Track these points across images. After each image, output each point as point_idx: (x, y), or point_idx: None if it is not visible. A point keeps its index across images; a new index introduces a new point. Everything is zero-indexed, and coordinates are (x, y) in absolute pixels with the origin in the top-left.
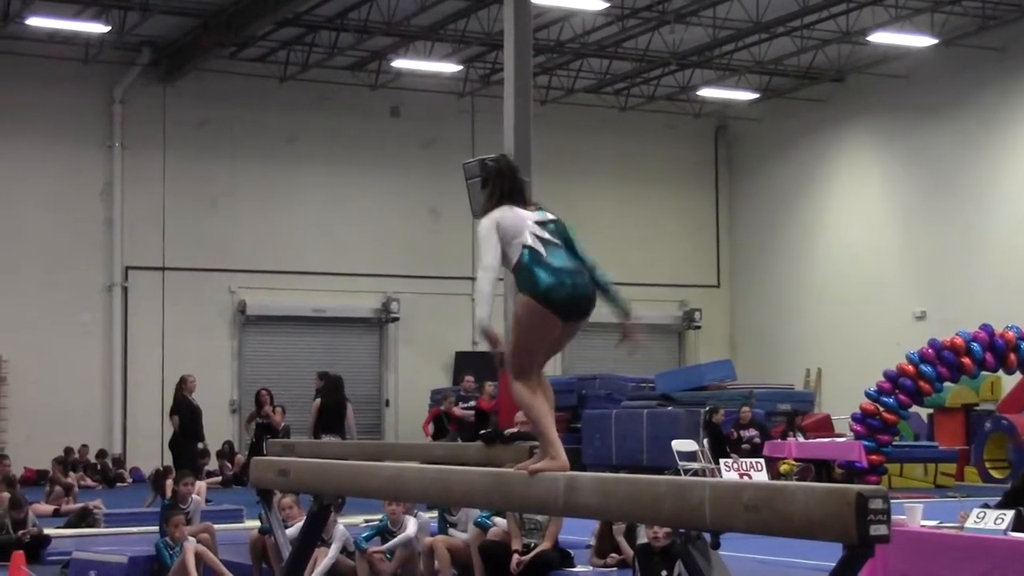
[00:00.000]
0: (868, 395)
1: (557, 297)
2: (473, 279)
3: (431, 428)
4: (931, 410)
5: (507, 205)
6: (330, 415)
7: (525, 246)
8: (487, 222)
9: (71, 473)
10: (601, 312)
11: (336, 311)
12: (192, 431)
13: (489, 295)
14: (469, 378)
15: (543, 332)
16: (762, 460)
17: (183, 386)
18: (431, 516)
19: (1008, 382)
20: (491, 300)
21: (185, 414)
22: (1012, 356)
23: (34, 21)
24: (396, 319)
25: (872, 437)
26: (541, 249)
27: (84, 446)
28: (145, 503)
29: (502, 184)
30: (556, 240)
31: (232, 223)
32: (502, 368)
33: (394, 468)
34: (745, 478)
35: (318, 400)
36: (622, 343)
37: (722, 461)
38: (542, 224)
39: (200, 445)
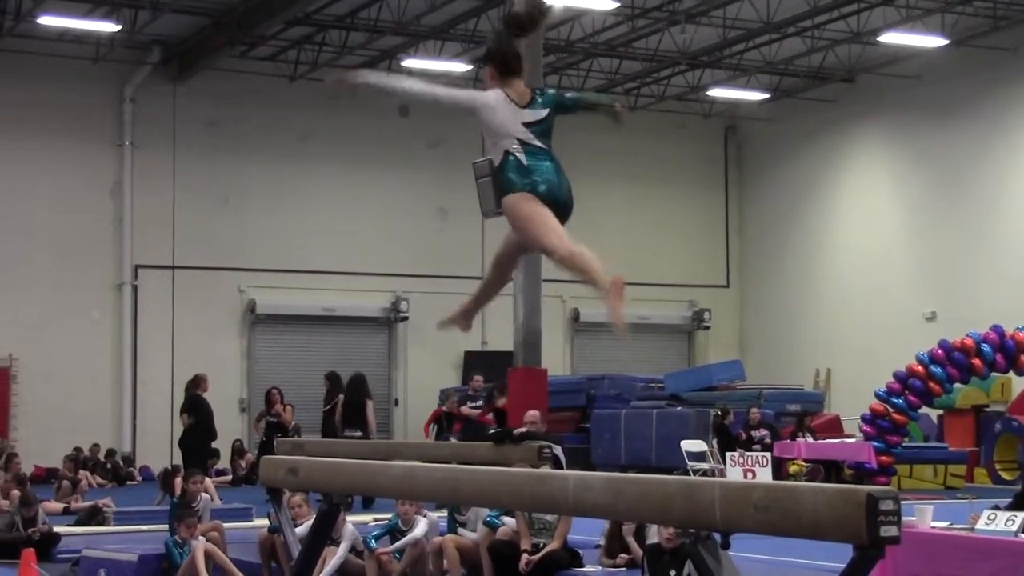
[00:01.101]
0: (878, 396)
1: (535, 191)
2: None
3: (432, 429)
4: (941, 411)
5: (504, 88)
6: (352, 412)
7: (508, 152)
8: (480, 93)
9: (81, 471)
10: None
11: (345, 310)
12: (208, 430)
13: (403, 89)
14: (478, 378)
15: (537, 209)
16: (768, 455)
17: (198, 385)
18: (440, 515)
19: (1018, 383)
20: (391, 85)
21: (202, 413)
22: (1022, 357)
23: (45, 20)
24: (405, 318)
25: (882, 438)
26: (523, 158)
27: (95, 445)
28: (154, 501)
29: (503, 70)
30: (541, 144)
31: (242, 222)
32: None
33: (403, 467)
34: (750, 474)
35: (342, 397)
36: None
37: (728, 456)
38: (530, 125)
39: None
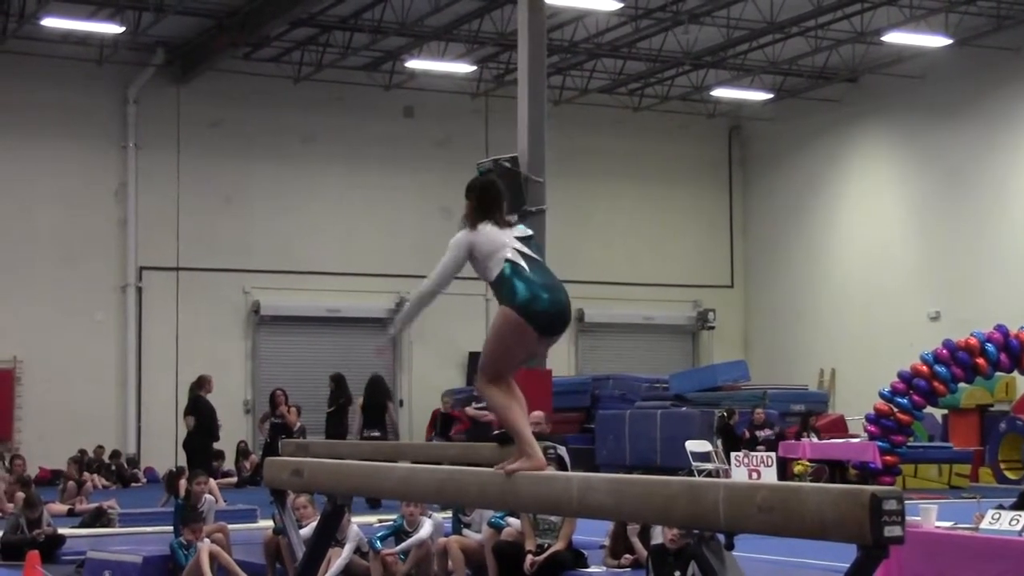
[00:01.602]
0: (882, 396)
1: (537, 310)
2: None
3: (433, 430)
4: (945, 411)
5: (486, 223)
6: (373, 414)
7: (507, 260)
8: (462, 236)
9: (86, 473)
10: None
11: (350, 311)
12: (210, 431)
13: (423, 300)
14: None
15: (520, 343)
16: (773, 455)
17: (202, 386)
18: (445, 517)
19: (1023, 383)
20: (421, 307)
21: (203, 414)
22: None
23: (49, 22)
24: None
25: (886, 438)
26: (523, 263)
27: (99, 447)
28: (159, 503)
29: (483, 201)
30: (536, 256)
31: (246, 223)
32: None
33: (407, 468)
34: (754, 474)
35: (361, 399)
36: None
37: (732, 456)
38: (523, 239)
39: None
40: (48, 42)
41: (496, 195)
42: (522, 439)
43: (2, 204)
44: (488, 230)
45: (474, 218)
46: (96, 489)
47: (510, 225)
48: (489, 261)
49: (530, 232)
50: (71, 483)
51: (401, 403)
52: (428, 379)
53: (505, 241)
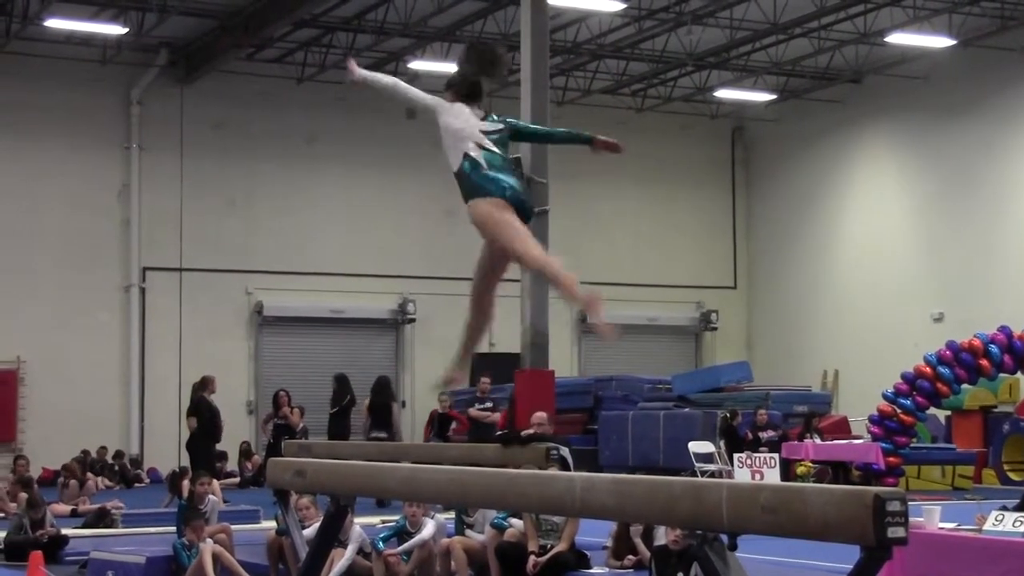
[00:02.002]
0: (885, 397)
1: (500, 194)
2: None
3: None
4: (949, 412)
5: (462, 103)
6: (378, 415)
7: (466, 155)
8: (442, 100)
9: (89, 474)
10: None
11: (353, 312)
12: (212, 432)
13: (387, 84)
14: (485, 379)
15: (506, 214)
16: (776, 456)
17: (206, 386)
18: (448, 517)
19: None
20: (382, 83)
21: (205, 415)
22: None
23: (52, 23)
24: (413, 320)
25: (889, 439)
26: (482, 161)
27: (103, 447)
28: (162, 504)
29: (462, 87)
30: (497, 150)
31: (249, 224)
32: None
33: (410, 469)
34: (757, 475)
35: (367, 400)
36: (605, 149)
37: (735, 456)
38: (488, 133)
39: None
40: (51, 43)
41: (477, 90)
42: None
43: (6, 205)
44: (463, 111)
45: (451, 96)
46: (99, 490)
47: (483, 116)
48: (451, 148)
49: (499, 125)
50: (72, 482)
51: (404, 404)
52: (431, 380)
53: (470, 134)
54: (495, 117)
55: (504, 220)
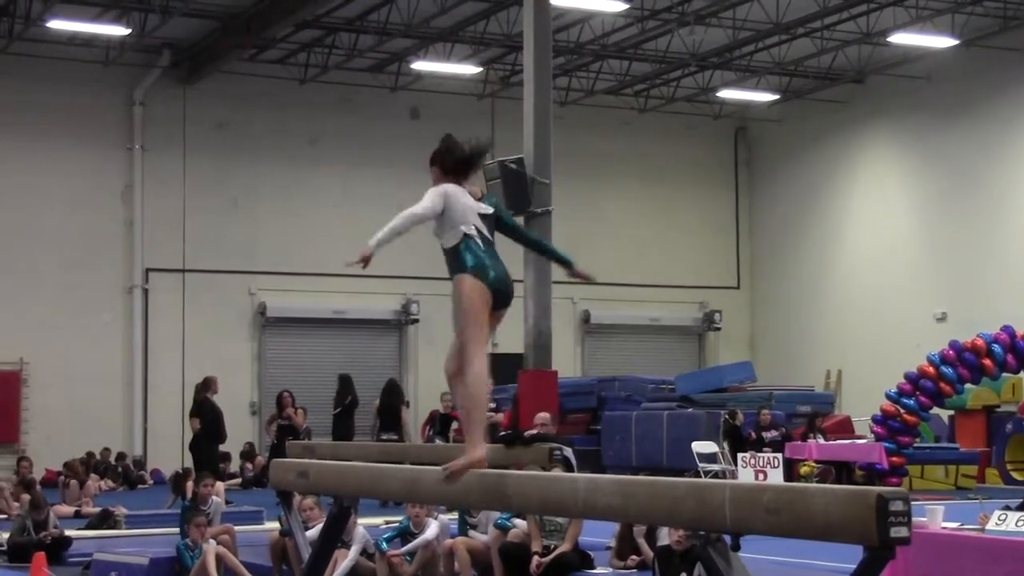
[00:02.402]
0: (889, 397)
1: (488, 276)
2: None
3: (428, 430)
4: (952, 412)
5: (455, 184)
6: (387, 417)
7: (467, 234)
8: (440, 188)
9: (92, 475)
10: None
11: (356, 313)
12: (216, 432)
13: (398, 228)
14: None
15: (483, 304)
16: (779, 456)
17: (208, 387)
18: (451, 518)
19: None
20: (394, 234)
21: (209, 416)
22: None
23: (55, 24)
24: (416, 321)
25: (893, 439)
26: (478, 242)
27: (106, 449)
28: (166, 505)
29: (445, 161)
30: (489, 236)
31: (252, 225)
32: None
33: (413, 470)
34: (761, 475)
35: (377, 402)
36: (579, 279)
37: (739, 456)
38: (482, 216)
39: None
40: (54, 44)
41: (465, 159)
42: (475, 432)
43: (8, 206)
44: (461, 195)
45: (444, 178)
46: (101, 491)
47: (477, 198)
48: (451, 229)
49: (491, 210)
50: (73, 482)
51: (407, 404)
52: (436, 381)
53: (469, 217)
54: (486, 200)
55: (476, 312)
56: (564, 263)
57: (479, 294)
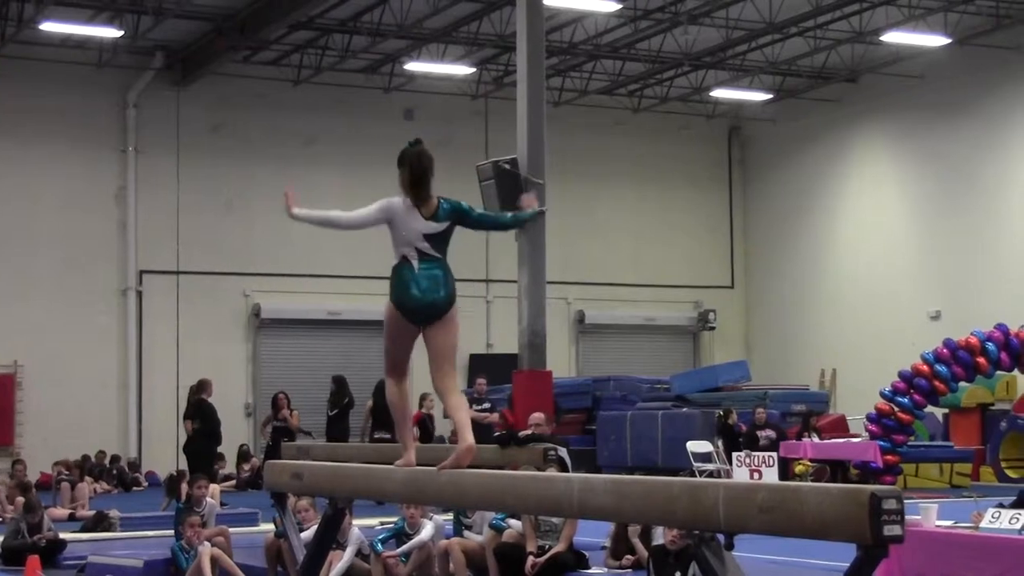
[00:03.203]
0: (883, 395)
1: (406, 303)
2: (488, 281)
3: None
4: (946, 410)
5: (412, 197)
6: (382, 417)
7: (405, 257)
8: (386, 205)
9: (87, 477)
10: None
11: (351, 314)
12: (213, 434)
13: (322, 220)
14: (481, 380)
15: (396, 332)
16: (775, 455)
17: (203, 389)
18: (446, 519)
19: (1023, 382)
20: (318, 218)
21: (205, 417)
22: None
23: (48, 26)
24: None
25: (887, 437)
26: (415, 263)
27: (100, 452)
28: (160, 507)
29: (409, 173)
30: (436, 253)
31: (246, 226)
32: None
33: (408, 471)
34: (756, 475)
35: (370, 402)
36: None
37: (734, 456)
38: (430, 236)
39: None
40: (47, 46)
41: (421, 172)
42: (404, 438)
43: (2, 208)
44: (409, 216)
45: (403, 190)
46: (96, 494)
47: (432, 212)
48: (395, 248)
49: (443, 226)
50: (65, 484)
51: None
52: (429, 381)
53: (411, 239)
54: (442, 210)
55: (389, 341)
56: (531, 218)
57: (393, 323)
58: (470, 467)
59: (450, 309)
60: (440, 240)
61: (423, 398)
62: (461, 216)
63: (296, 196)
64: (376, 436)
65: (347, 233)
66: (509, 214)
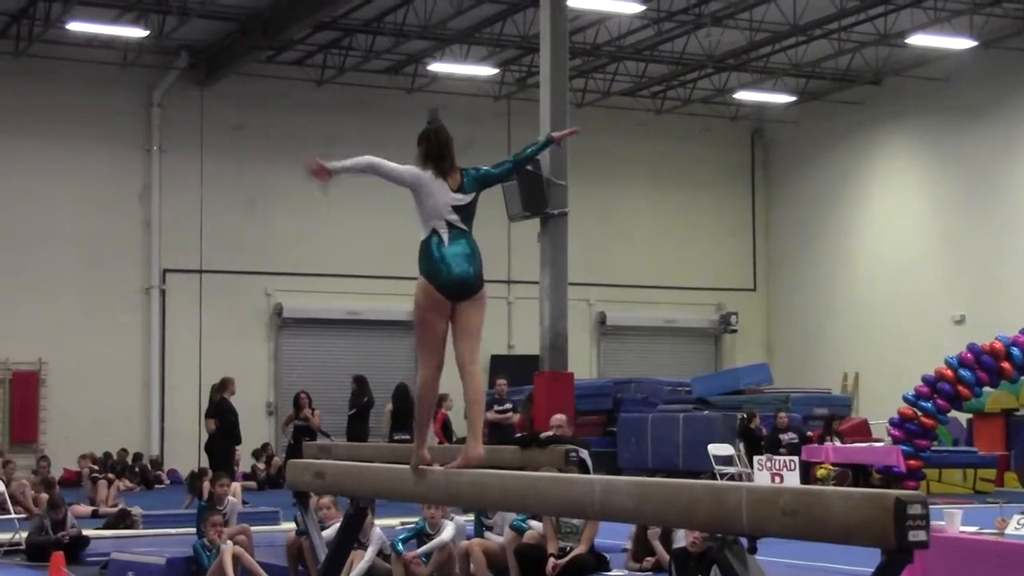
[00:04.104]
0: (906, 400)
1: (438, 277)
2: (510, 282)
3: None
4: (970, 415)
5: (433, 171)
6: (401, 418)
7: (434, 230)
8: (419, 172)
9: (110, 475)
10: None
11: (372, 314)
12: (234, 433)
13: (361, 164)
14: (501, 381)
15: (430, 310)
16: (796, 459)
17: (225, 388)
18: (467, 519)
19: None
20: (353, 166)
21: (227, 416)
22: None
23: (74, 26)
24: None
25: (910, 442)
26: (445, 237)
27: (123, 450)
28: (183, 505)
29: (428, 147)
30: (464, 227)
31: (269, 226)
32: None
33: (430, 471)
34: (777, 478)
35: (390, 406)
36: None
37: (755, 459)
38: (458, 208)
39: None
40: (73, 46)
41: (440, 145)
42: (423, 435)
43: (26, 207)
44: (437, 188)
45: (421, 162)
46: (119, 491)
47: (457, 185)
48: (423, 223)
49: (469, 198)
50: (102, 481)
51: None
52: (450, 382)
53: (441, 212)
54: (467, 182)
55: (421, 320)
56: (545, 145)
57: (426, 298)
58: (491, 467)
59: (482, 286)
60: (468, 212)
61: (442, 399)
62: (486, 180)
63: (317, 157)
64: (396, 438)
65: (369, 234)
66: (524, 151)
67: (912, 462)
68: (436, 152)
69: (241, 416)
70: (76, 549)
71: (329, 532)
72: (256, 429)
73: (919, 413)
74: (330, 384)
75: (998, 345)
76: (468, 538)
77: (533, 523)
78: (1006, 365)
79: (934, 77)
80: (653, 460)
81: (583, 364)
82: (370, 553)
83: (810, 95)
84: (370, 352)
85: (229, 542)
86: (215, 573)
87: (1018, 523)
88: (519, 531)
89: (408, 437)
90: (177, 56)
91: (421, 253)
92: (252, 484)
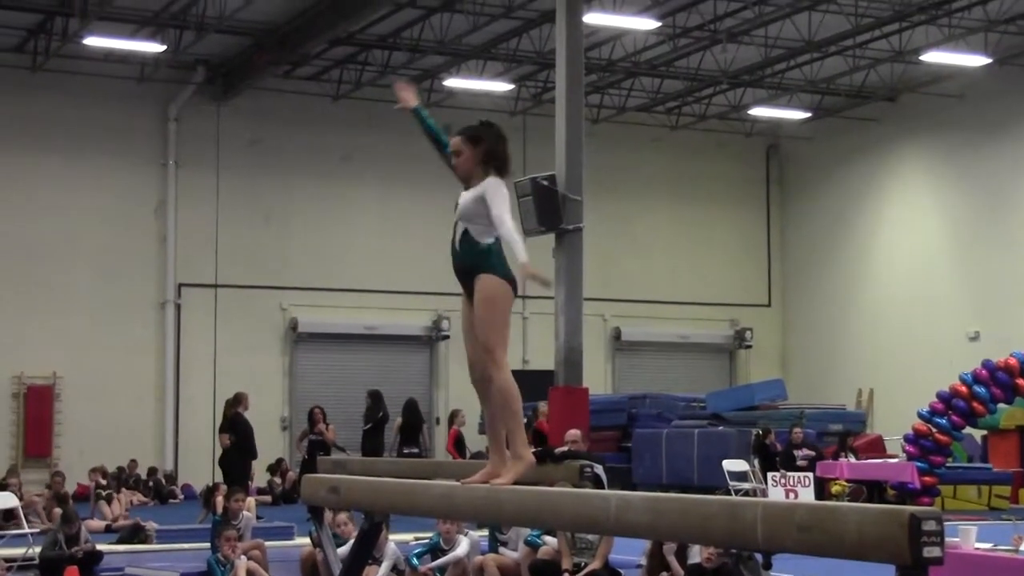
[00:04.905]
0: (921, 416)
1: (511, 278)
2: (525, 297)
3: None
4: (985, 432)
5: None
6: (409, 433)
7: (496, 238)
8: (504, 190)
9: (123, 489)
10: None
11: (387, 329)
12: (249, 448)
13: (523, 240)
14: None
15: (510, 308)
16: (810, 475)
17: (239, 403)
18: (481, 535)
19: None
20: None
21: (241, 431)
22: None
23: (91, 41)
24: (447, 337)
25: (925, 458)
26: (500, 244)
27: (133, 461)
28: (197, 520)
29: (494, 157)
30: None
31: (284, 241)
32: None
33: (445, 486)
34: (792, 494)
35: (399, 420)
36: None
37: (769, 475)
38: None
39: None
40: (90, 60)
41: (507, 152)
42: (517, 439)
43: (43, 221)
44: (505, 190)
45: (493, 170)
46: (132, 506)
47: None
48: (484, 226)
49: None
50: (101, 502)
51: (437, 421)
52: (465, 397)
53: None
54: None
55: (504, 313)
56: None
57: (508, 299)
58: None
59: None
60: None
61: (454, 415)
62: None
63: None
64: (405, 451)
65: (384, 249)
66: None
67: (927, 478)
68: (508, 168)
69: (256, 431)
70: (90, 564)
71: (345, 548)
72: (271, 444)
73: (934, 429)
74: (345, 399)
75: (1013, 361)
76: (482, 553)
77: (548, 538)
78: (1021, 381)
79: (949, 94)
80: (668, 476)
81: (598, 379)
82: (385, 568)
83: (825, 111)
84: (385, 367)
85: (243, 557)
86: None
87: None
88: (533, 546)
89: (416, 451)
90: (193, 71)
91: (496, 256)
92: (267, 499)
